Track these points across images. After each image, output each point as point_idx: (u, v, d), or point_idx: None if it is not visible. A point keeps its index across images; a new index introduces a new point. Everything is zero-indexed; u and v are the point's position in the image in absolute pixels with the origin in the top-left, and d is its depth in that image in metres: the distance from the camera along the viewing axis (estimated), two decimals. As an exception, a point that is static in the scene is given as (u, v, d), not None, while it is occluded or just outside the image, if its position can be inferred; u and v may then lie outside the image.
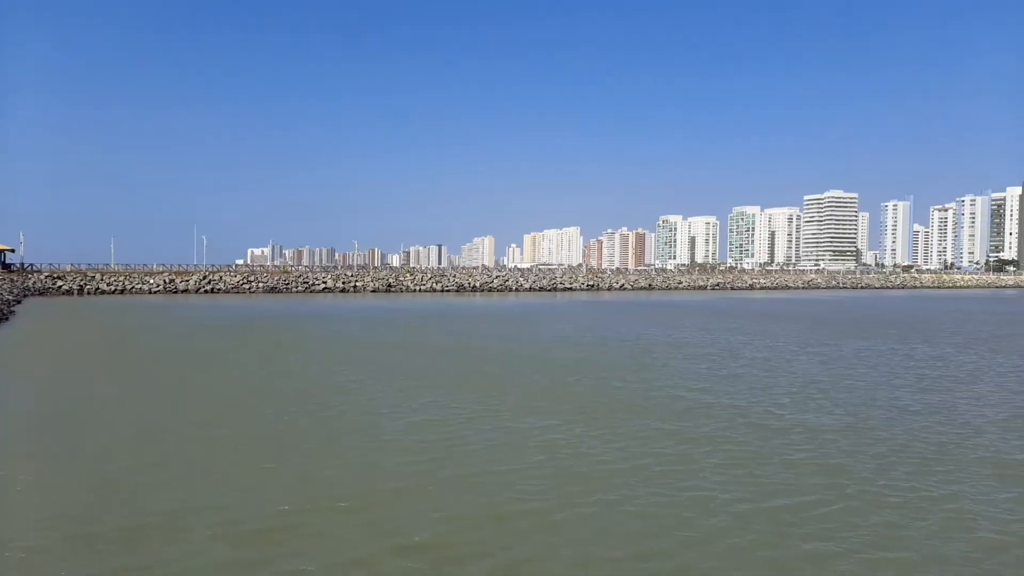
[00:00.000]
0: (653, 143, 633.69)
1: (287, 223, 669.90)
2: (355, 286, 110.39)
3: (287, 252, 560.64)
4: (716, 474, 13.01)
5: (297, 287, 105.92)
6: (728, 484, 12.39)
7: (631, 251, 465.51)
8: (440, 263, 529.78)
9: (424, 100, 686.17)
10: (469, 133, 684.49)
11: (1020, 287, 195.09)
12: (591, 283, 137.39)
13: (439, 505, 11.43)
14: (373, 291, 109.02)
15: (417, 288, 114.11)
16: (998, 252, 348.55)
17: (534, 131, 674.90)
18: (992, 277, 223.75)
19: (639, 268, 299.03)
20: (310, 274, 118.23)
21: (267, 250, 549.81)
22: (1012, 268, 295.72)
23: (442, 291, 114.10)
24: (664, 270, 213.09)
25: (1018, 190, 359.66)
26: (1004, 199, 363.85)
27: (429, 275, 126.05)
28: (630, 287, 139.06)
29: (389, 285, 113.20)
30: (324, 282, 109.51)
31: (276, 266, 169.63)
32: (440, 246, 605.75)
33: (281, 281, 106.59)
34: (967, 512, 11.16)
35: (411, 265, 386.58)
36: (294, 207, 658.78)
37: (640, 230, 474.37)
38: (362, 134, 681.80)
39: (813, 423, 17.27)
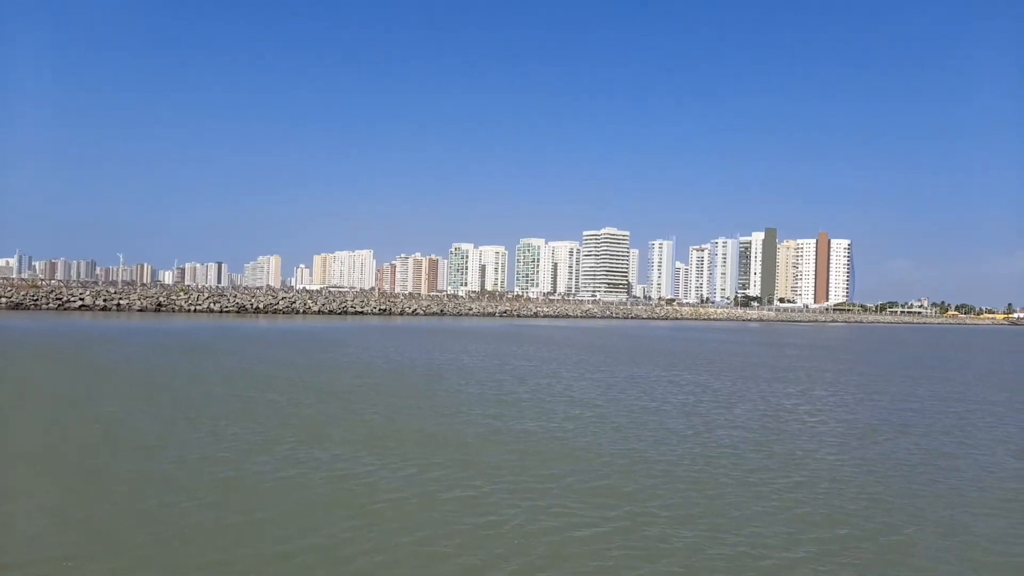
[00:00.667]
0: (447, 171, 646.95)
1: (38, 232, 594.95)
2: (119, 304, 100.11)
3: (37, 264, 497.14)
4: (508, 506, 13.19)
5: (48, 303, 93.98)
6: (518, 510, 12.61)
7: (424, 276, 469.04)
8: (220, 282, 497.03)
9: (200, 108, 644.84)
10: (251, 146, 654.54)
11: (762, 320, 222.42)
12: (383, 307, 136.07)
13: (205, 551, 10.46)
14: (140, 310, 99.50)
15: (192, 308, 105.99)
16: (745, 289, 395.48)
17: (325, 150, 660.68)
18: (740, 311, 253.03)
19: (432, 293, 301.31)
20: (65, 289, 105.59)
21: (12, 260, 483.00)
22: (756, 304, 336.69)
23: (220, 312, 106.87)
24: (456, 296, 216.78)
25: (761, 235, 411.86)
26: (750, 243, 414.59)
27: (206, 294, 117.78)
28: (422, 312, 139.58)
29: (159, 304, 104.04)
30: (81, 298, 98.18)
31: (23, 279, 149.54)
32: (220, 264, 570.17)
33: (29, 296, 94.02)
34: (722, 524, 12.25)
35: (185, 283, 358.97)
36: (48, 214, 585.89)
37: (433, 256, 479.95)
38: (127, 135, 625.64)
39: (593, 447, 18.18)
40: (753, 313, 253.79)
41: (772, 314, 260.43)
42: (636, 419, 22.72)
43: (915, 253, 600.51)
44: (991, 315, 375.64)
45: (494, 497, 13.39)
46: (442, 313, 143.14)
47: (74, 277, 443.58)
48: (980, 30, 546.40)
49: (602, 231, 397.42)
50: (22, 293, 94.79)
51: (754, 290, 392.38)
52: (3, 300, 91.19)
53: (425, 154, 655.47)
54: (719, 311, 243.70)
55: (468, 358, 42.79)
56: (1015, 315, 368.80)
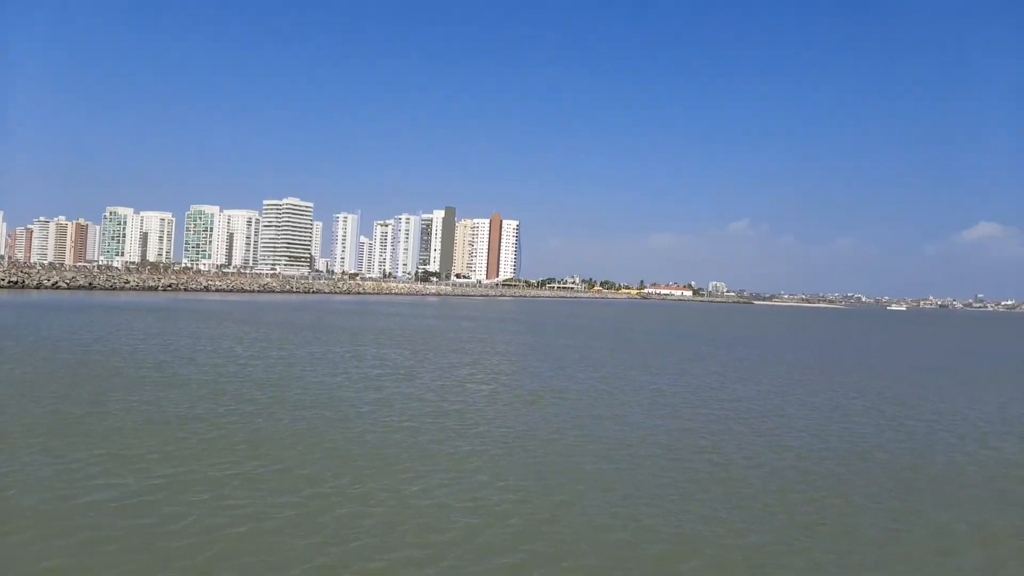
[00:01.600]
0: (107, 123, 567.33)
1: None
2: None
3: None
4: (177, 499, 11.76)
5: None
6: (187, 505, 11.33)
7: (70, 244, 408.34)
8: None
9: None
10: None
11: (439, 294, 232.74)
12: (15, 279, 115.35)
13: None
14: None
15: None
16: (426, 265, 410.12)
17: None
18: (420, 286, 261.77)
19: (79, 264, 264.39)
20: None
21: None
22: (435, 279, 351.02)
23: None
24: (110, 267, 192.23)
25: (442, 213, 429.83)
26: (432, 220, 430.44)
27: None
28: (66, 285, 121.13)
29: None
30: None
31: None
32: None
33: None
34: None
35: None
36: None
37: (83, 221, 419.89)
38: None
39: (264, 426, 17.20)
40: (432, 288, 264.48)
41: (449, 288, 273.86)
42: (321, 395, 22.06)
43: (568, 233, 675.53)
44: (627, 291, 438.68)
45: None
46: (91, 287, 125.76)
47: None
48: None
49: (284, 201, 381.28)
50: None
51: (434, 266, 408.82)
52: None
53: (70, 98, 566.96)
54: (401, 286, 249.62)
55: (129, 338, 38.00)
56: (645, 290, 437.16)
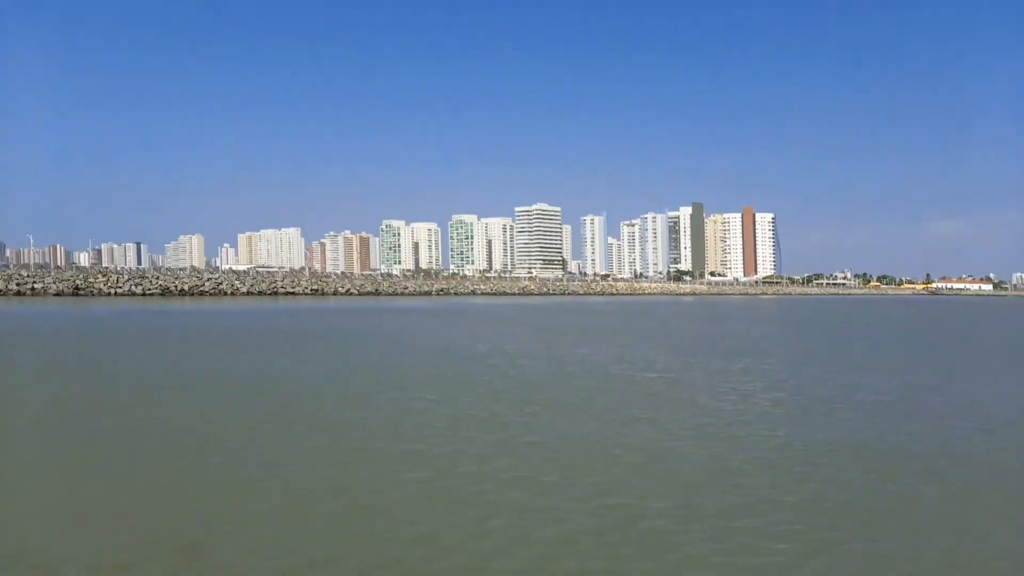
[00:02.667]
0: (375, 147, 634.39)
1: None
2: (33, 288, 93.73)
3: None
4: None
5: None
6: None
7: (356, 255, 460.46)
8: (140, 263, 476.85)
9: (116, 84, 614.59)
10: (171, 124, 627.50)
11: (695, 294, 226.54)
12: (315, 287, 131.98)
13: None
14: (56, 294, 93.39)
15: (112, 291, 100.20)
16: (677, 264, 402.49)
17: (247, 127, 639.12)
18: (673, 285, 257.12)
19: (365, 273, 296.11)
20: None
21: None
22: (688, 278, 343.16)
23: (143, 295, 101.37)
24: (390, 275, 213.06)
25: (688, 209, 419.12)
26: (679, 217, 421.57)
27: (127, 276, 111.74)
28: (356, 292, 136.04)
29: (77, 288, 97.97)
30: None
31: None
32: (139, 244, 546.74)
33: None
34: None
35: (103, 265, 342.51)
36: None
37: (364, 234, 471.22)
38: (32, 109, 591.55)
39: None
40: (686, 287, 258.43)
41: (704, 288, 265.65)
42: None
43: (834, 225, 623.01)
44: (911, 285, 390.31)
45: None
46: (377, 293, 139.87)
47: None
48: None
49: (534, 207, 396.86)
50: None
51: (685, 264, 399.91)
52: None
53: (349, 130, 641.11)
54: (653, 286, 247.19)
55: (509, 343, 40.79)
56: (933, 285, 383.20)
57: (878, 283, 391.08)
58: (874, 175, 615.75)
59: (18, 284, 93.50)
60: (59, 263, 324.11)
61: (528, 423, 16.54)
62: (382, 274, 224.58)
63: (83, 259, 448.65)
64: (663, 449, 14.32)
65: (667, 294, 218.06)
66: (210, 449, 13.86)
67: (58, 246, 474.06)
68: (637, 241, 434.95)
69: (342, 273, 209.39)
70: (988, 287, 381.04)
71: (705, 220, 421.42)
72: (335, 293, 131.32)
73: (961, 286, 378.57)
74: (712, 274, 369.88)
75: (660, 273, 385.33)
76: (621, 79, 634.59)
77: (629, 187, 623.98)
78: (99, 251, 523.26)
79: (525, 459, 13.20)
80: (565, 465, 12.93)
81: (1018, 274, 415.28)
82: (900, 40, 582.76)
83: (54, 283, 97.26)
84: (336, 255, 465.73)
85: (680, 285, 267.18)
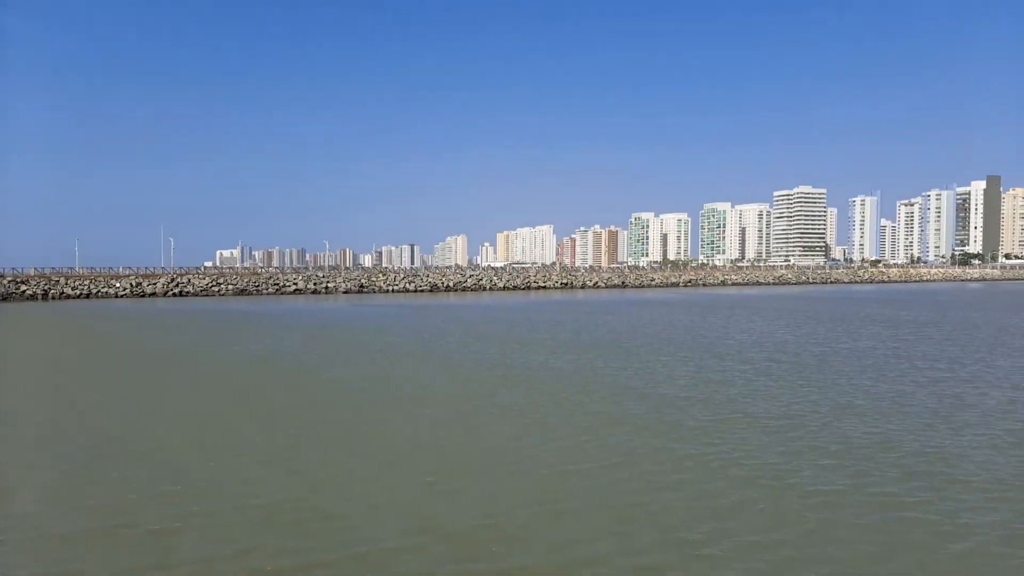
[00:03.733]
0: (625, 141, 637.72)
1: (256, 224, 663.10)
2: (327, 287, 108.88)
3: (256, 253, 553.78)
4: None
5: (267, 289, 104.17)
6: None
7: (604, 249, 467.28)
8: (413, 263, 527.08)
9: (392, 100, 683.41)
10: (441, 133, 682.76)
11: (984, 280, 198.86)
12: (565, 281, 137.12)
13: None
14: (345, 292, 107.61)
15: (390, 288, 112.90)
16: (963, 246, 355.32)
17: (506, 132, 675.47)
18: (958, 270, 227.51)
19: (612, 266, 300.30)
20: (281, 275, 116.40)
21: (236, 251, 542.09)
22: (977, 262, 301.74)
23: (415, 291, 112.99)
24: (637, 267, 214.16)
25: (983, 185, 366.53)
26: (969, 194, 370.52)
27: (402, 275, 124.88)
28: (603, 285, 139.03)
29: (361, 286, 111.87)
30: (295, 283, 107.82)
31: (246, 268, 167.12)
32: (412, 246, 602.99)
33: (251, 283, 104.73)
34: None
35: (383, 265, 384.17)
36: (263, 207, 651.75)
37: (612, 228, 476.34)
38: (331, 134, 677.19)
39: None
40: (974, 272, 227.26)
41: (997, 272, 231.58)
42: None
43: None
44: None
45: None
46: (623, 285, 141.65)
47: (287, 264, 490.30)
48: None
49: (795, 190, 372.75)
50: (245, 280, 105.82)
51: (974, 246, 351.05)
52: (230, 287, 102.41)
53: (596, 126, 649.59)
54: (933, 271, 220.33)
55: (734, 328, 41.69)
56: None
57: None
58: None
59: (315, 284, 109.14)
60: (347, 264, 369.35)
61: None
62: (629, 267, 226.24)
63: (367, 260, 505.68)
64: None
65: (950, 280, 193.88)
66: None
67: (347, 249, 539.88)
68: (916, 222, 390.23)
69: (590, 267, 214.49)
70: None
71: (1003, 195, 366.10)
72: (583, 286, 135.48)
73: None
74: (1007, 256, 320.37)
75: (942, 257, 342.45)
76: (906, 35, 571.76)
77: (908, 164, 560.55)
78: (380, 253, 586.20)
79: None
80: None
81: None
82: None
83: (343, 282, 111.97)
84: (585, 249, 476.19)
85: (967, 270, 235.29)
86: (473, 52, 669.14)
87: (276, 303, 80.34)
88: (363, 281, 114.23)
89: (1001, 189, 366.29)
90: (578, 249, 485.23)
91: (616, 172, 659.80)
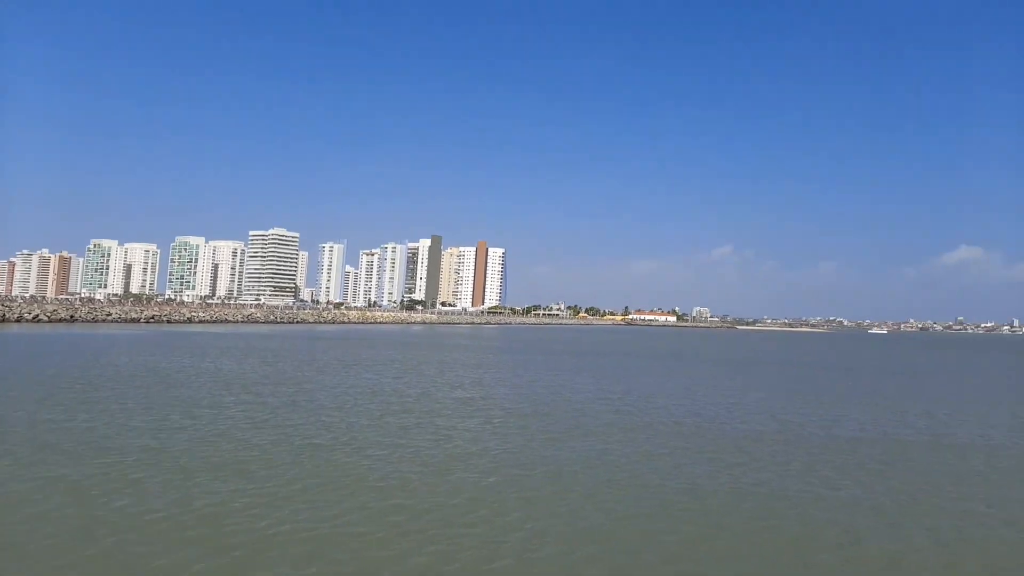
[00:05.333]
0: (94, 156, 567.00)
1: None
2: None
3: None
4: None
5: None
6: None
7: (52, 277, 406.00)
8: None
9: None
10: None
11: (425, 323, 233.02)
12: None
13: None
14: None
15: None
16: (411, 293, 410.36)
17: None
18: (405, 315, 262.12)
19: (61, 297, 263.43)
20: None
21: None
22: (420, 307, 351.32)
23: None
24: (92, 300, 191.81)
25: (428, 242, 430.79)
26: (418, 248, 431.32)
27: None
28: (46, 318, 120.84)
29: None
30: None
31: None
32: None
33: None
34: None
35: None
36: None
37: (66, 253, 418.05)
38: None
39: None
40: (417, 316, 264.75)
41: (434, 317, 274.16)
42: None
43: (554, 260, 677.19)
44: (612, 317, 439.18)
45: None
46: (72, 319, 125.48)
47: None
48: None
49: (270, 231, 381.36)
50: None
51: (420, 294, 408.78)
52: None
53: (56, 130, 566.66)
54: (386, 314, 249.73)
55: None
56: (630, 316, 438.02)
57: (586, 314, 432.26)
58: (594, 220, 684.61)
59: None
60: None
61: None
62: (81, 298, 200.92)
63: None
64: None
65: (398, 323, 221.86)
66: None
67: None
68: (375, 270, 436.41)
69: (31, 297, 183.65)
70: (672, 319, 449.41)
71: (443, 252, 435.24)
72: (19, 320, 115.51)
73: (651, 317, 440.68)
74: (443, 304, 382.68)
75: (394, 302, 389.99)
76: (371, 112, 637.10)
77: (371, 218, 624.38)
78: None
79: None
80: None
81: (697, 307, 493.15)
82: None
83: None
84: (27, 276, 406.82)
85: (412, 314, 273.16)
86: None
87: None
88: None
89: (442, 247, 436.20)
90: (18, 275, 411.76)
91: (70, 191, 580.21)
